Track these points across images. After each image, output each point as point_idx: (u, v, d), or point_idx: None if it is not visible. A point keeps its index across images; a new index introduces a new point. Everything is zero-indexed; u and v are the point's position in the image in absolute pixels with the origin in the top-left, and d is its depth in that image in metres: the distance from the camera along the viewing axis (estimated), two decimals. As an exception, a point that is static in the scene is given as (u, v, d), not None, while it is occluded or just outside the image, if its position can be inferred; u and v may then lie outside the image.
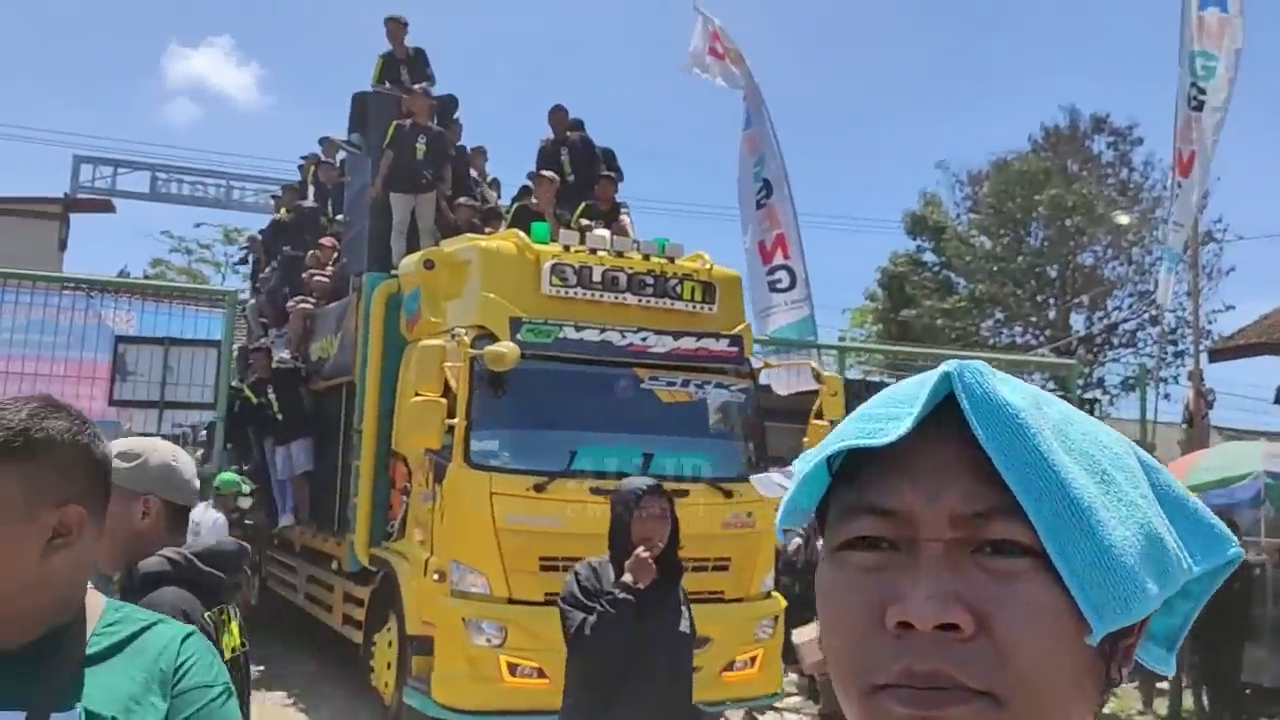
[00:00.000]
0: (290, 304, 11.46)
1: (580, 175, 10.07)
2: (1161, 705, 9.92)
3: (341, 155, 11.77)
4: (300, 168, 13.57)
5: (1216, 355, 17.91)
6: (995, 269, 28.49)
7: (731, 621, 7.58)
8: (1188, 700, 9.58)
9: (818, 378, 8.16)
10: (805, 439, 8.27)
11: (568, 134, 10.48)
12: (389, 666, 7.93)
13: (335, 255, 11.12)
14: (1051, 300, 29.44)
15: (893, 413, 0.68)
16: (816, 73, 73.02)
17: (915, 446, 0.67)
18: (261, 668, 10.21)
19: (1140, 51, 56.35)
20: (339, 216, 11.50)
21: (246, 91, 71.23)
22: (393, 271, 9.14)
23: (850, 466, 0.71)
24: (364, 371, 8.92)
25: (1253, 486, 9.64)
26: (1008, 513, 0.65)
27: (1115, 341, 28.95)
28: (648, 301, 7.88)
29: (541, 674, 7.02)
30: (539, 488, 7.19)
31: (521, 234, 7.86)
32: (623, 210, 9.78)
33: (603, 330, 7.63)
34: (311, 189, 12.75)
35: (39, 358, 10.84)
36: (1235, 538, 0.74)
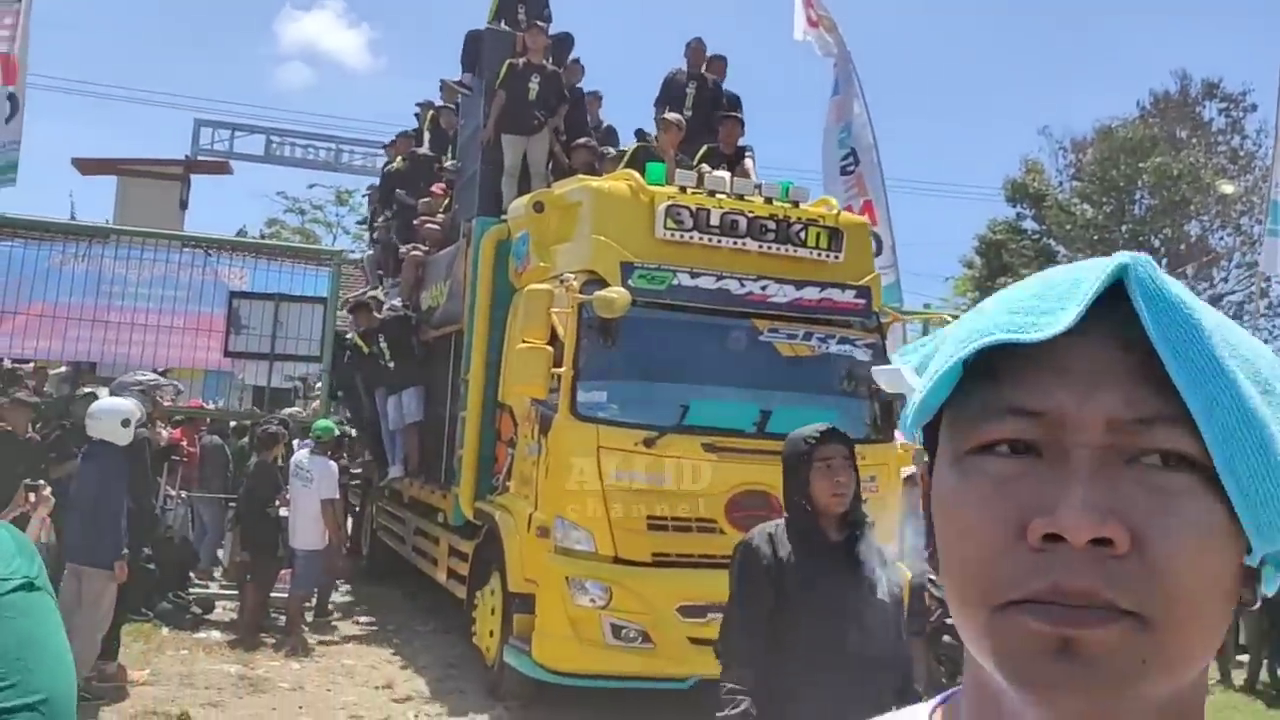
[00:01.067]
0: (402, 252, 11.29)
1: (700, 114, 9.53)
2: (1239, 676, 9.75)
3: (459, 99, 11.48)
4: (416, 115, 13.37)
5: None
6: (1097, 238, 27.58)
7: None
8: (1265, 675, 9.55)
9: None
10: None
11: (704, 72, 9.94)
12: (491, 624, 7.67)
13: (447, 202, 10.86)
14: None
15: (1049, 305, 0.62)
16: (919, 37, 70.99)
17: (1070, 343, 0.61)
18: (371, 619, 10.22)
19: (1254, 13, 52.83)
20: (450, 162, 11.22)
21: (357, 54, 72.40)
22: (502, 217, 8.81)
23: (987, 362, 0.63)
24: (472, 320, 8.63)
25: None
26: (1173, 421, 0.60)
27: (1222, 313, 27.70)
28: (769, 248, 7.35)
29: (647, 639, 6.65)
30: (648, 443, 6.78)
31: (636, 174, 7.40)
32: (747, 154, 9.22)
33: (720, 277, 7.14)
34: (427, 135, 12.52)
35: (161, 310, 11.38)
36: None
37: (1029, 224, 30.98)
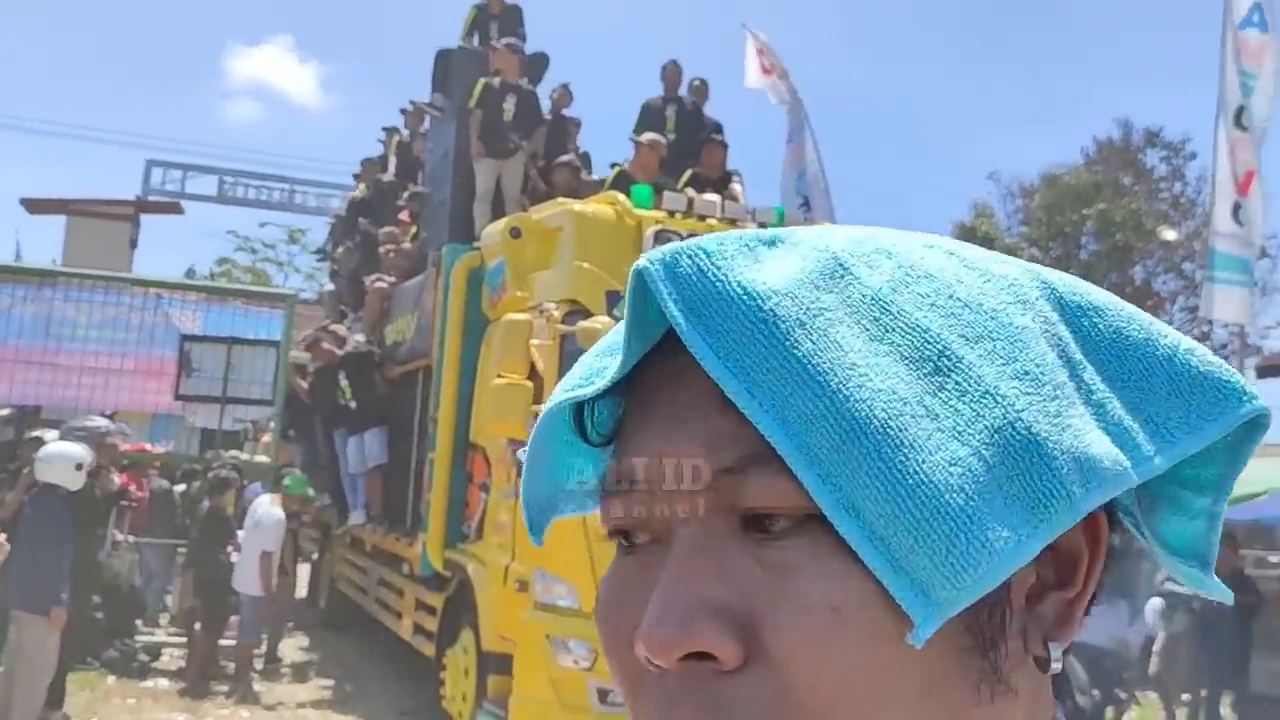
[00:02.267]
0: (367, 284, 10.69)
1: (684, 137, 9.05)
2: (1183, 715, 9.69)
3: (428, 123, 10.94)
4: (382, 141, 12.81)
5: (1264, 372, 17.62)
6: None
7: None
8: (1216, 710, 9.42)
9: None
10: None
11: (684, 95, 9.48)
12: (463, 686, 7.01)
13: (414, 230, 10.28)
14: (1101, 314, 29.77)
15: (617, 348, 0.49)
16: (872, 85, 72.11)
17: (659, 388, 0.48)
18: (324, 666, 9.73)
19: (1194, 67, 54.57)
20: (416, 188, 10.66)
21: (309, 91, 72.11)
22: (475, 244, 8.25)
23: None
24: (441, 354, 8.03)
25: (1277, 503, 9.34)
26: (766, 461, 0.44)
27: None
28: (764, 276, 6.83)
29: (637, 704, 6.02)
30: (637, 487, 6.19)
31: (621, 197, 6.88)
32: (734, 179, 8.74)
33: (713, 307, 6.60)
34: (393, 161, 11.94)
35: (111, 353, 11.36)
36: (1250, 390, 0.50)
37: None
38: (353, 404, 9.81)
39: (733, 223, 6.93)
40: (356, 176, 13.11)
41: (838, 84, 70.80)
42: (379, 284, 10.22)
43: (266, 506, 9.14)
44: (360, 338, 10.27)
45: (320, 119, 69.61)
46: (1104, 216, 27.64)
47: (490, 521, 7.09)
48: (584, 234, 6.76)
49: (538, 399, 6.27)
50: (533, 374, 6.33)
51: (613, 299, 6.44)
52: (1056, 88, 61.07)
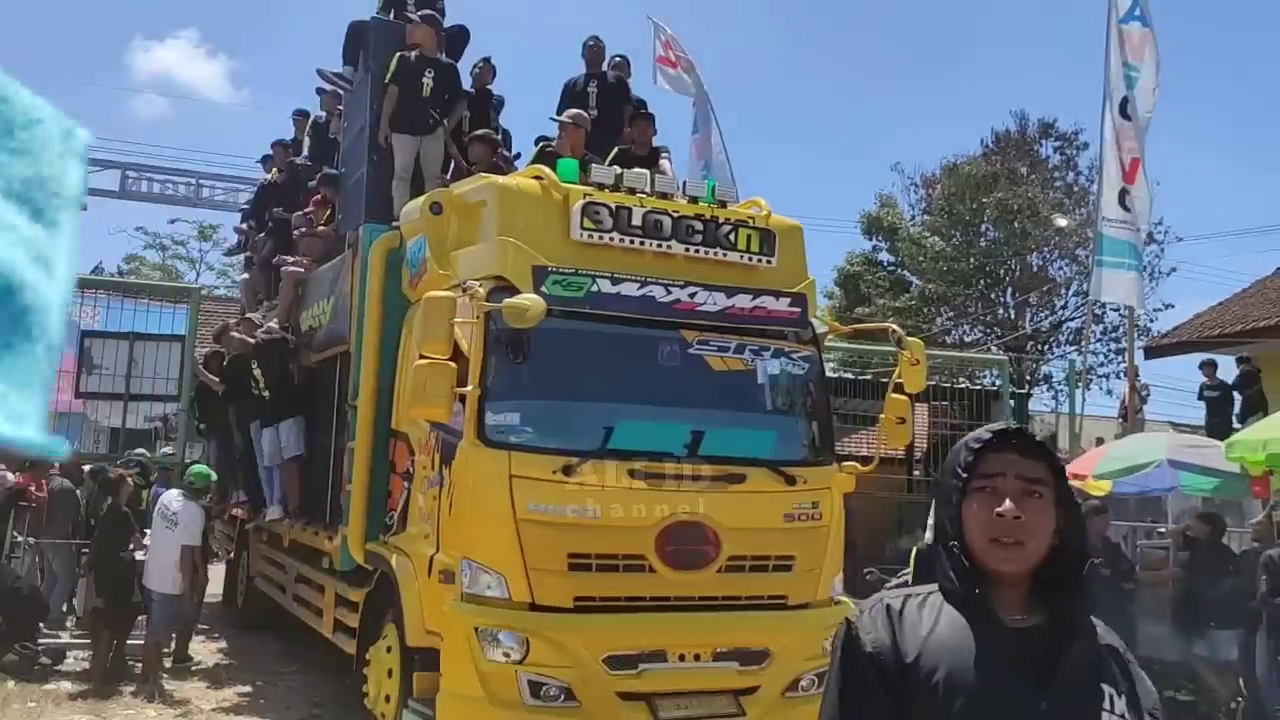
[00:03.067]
0: (281, 270, 10.24)
1: (608, 113, 8.77)
2: None
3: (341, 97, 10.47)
4: (295, 121, 12.30)
5: (1152, 352, 18.35)
6: (946, 269, 29.64)
7: (796, 632, 6.33)
8: None
9: (899, 342, 6.86)
10: (882, 415, 7.02)
11: (603, 71, 9.20)
12: (388, 686, 6.68)
13: (329, 213, 9.86)
14: (1000, 299, 30.94)
15: None
16: (776, 76, 72.70)
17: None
18: (248, 689, 9.21)
19: (1084, 60, 56.43)
20: (330, 170, 10.22)
21: (217, 85, 69.98)
22: (394, 224, 7.90)
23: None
24: (360, 339, 7.67)
25: (1163, 474, 9.82)
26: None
27: (1062, 339, 30.35)
28: (696, 251, 6.62)
29: (570, 696, 5.78)
30: (567, 470, 5.93)
31: (547, 170, 6.60)
32: (663, 154, 8.48)
33: (644, 283, 6.37)
34: (307, 143, 11.45)
35: None
36: None
37: (884, 256, 32.85)
38: (267, 394, 9.39)
39: (664, 196, 6.70)
40: (266, 160, 12.58)
41: (743, 76, 71.02)
42: (293, 269, 9.78)
43: (179, 501, 8.91)
44: (275, 324, 9.83)
45: (230, 114, 67.65)
46: (1002, 205, 28.80)
47: (413, 511, 6.77)
48: (509, 208, 6.47)
49: (461, 380, 5.98)
50: (456, 355, 6.03)
51: (540, 274, 6.16)
52: (958, 81, 62.44)
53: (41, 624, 9.69)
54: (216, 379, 11.65)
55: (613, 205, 6.45)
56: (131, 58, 69.58)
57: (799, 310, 6.80)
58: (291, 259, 10.00)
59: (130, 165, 27.68)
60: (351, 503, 7.48)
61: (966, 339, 30.07)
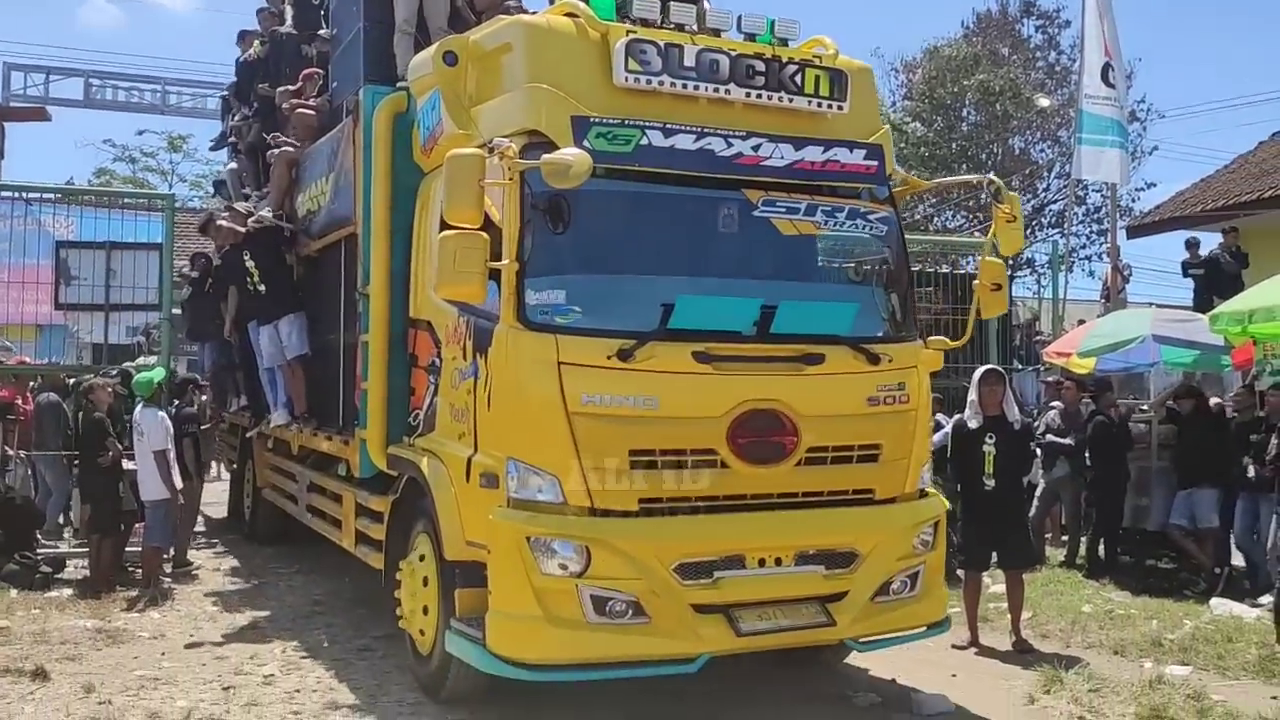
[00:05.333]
0: (270, 154, 9.22)
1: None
2: (1055, 556, 10.40)
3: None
4: (274, -11, 11.13)
5: (1134, 232, 18.28)
6: (928, 154, 28.95)
7: (885, 529, 5.59)
8: (1083, 549, 10.20)
9: (996, 194, 5.95)
10: (976, 280, 6.16)
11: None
12: (424, 598, 5.95)
13: (321, 83, 8.80)
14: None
15: None
16: None
17: None
18: (248, 588, 9.17)
19: None
20: (323, 32, 9.11)
21: None
22: (399, 84, 6.91)
23: None
24: (368, 217, 6.75)
25: (1146, 349, 10.08)
26: None
27: (1044, 222, 29.80)
28: (758, 97, 5.66)
29: (639, 611, 5.04)
30: (624, 354, 5.09)
31: (581, 4, 5.59)
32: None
33: (700, 134, 5.43)
34: (290, 11, 10.28)
35: None
36: None
37: None
38: (263, 288, 8.48)
39: (715, 33, 5.72)
40: (244, 35, 11.42)
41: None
42: (285, 149, 8.78)
43: (139, 411, 8.97)
44: (267, 212, 8.87)
45: (186, 21, 64.74)
46: (983, 87, 28.31)
47: (443, 408, 5.94)
48: (539, 50, 5.48)
49: (494, 253, 5.09)
50: (486, 226, 5.12)
51: (580, 126, 5.22)
52: None
53: (39, 534, 9.79)
54: (196, 276, 11.23)
55: (661, 43, 5.47)
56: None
57: (876, 164, 5.88)
58: (282, 138, 8.98)
59: (93, 73, 27.19)
60: (369, 402, 6.66)
61: (949, 225, 29.31)
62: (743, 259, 5.74)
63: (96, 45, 77.30)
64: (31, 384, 11.52)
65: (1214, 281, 13.44)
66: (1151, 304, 14.79)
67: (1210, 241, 14.77)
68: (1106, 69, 12.79)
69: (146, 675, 6.44)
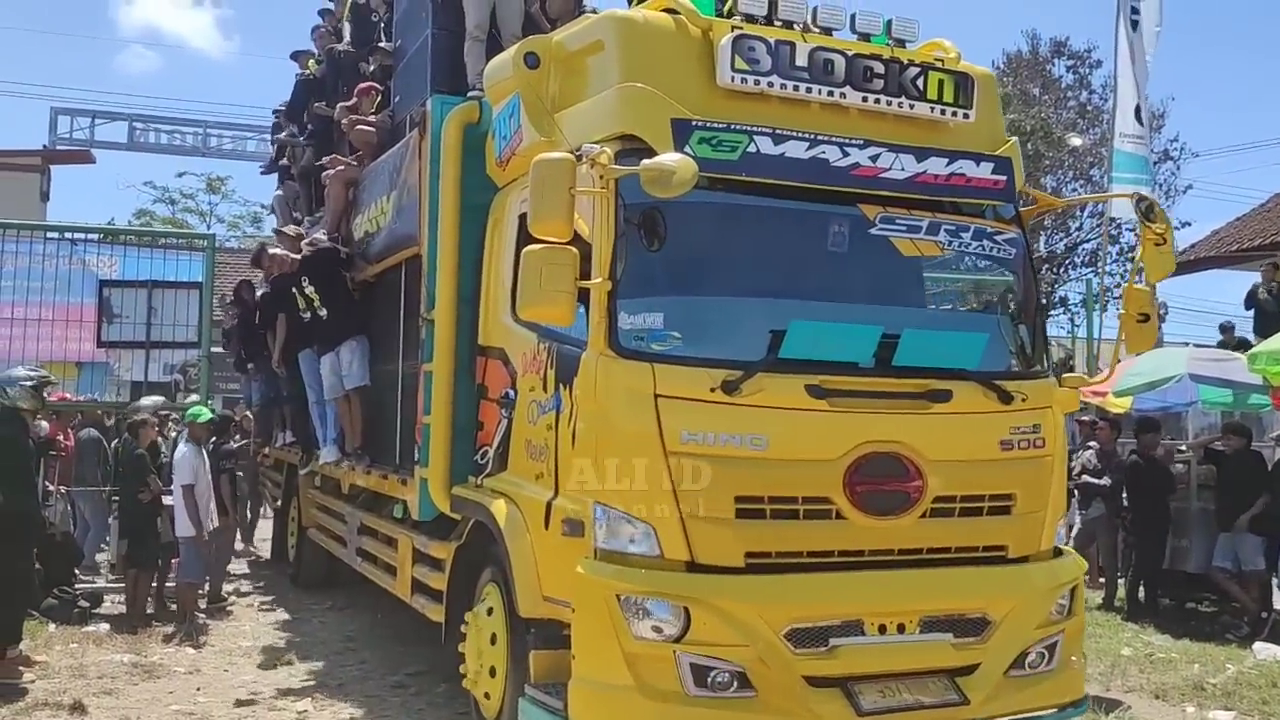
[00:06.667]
0: (326, 175, 8.75)
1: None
2: (1095, 597, 10.06)
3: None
4: (330, 8, 10.70)
5: None
6: None
7: (1020, 591, 4.89)
8: (1121, 591, 10.20)
9: (1148, 212, 5.26)
10: (1121, 311, 5.47)
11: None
12: (491, 658, 5.32)
13: (380, 99, 8.32)
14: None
15: None
16: None
17: None
18: (282, 626, 9.08)
19: None
20: (383, 44, 8.61)
21: (206, 35, 67.94)
22: (470, 93, 6.40)
23: None
24: (434, 236, 6.20)
25: (1184, 389, 10.03)
26: None
27: (1077, 261, 29.65)
28: (876, 102, 5.07)
29: (745, 683, 4.36)
30: (729, 387, 4.46)
31: (681, -1, 5.03)
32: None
33: (814, 142, 4.83)
34: (348, 28, 9.85)
35: (28, 303, 10.97)
36: None
37: None
38: (323, 313, 7.95)
39: (827, 32, 5.14)
40: (299, 55, 11.04)
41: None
42: (342, 169, 8.30)
43: (178, 446, 9.16)
44: (321, 234, 8.38)
45: (222, 65, 65.74)
46: (1015, 126, 27.73)
47: (516, 445, 5.34)
48: (634, 48, 4.92)
49: (584, 272, 4.49)
50: (574, 241, 4.53)
51: (682, 129, 4.64)
52: (968, 3, 59.75)
53: (77, 570, 9.79)
54: (237, 310, 11.32)
55: (771, 41, 4.89)
56: (115, 11, 67.64)
57: (1005, 179, 5.25)
58: (339, 157, 8.50)
59: (137, 116, 27.87)
60: (431, 438, 6.07)
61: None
62: (857, 281, 5.11)
63: (137, 90, 78.53)
64: (74, 420, 11.66)
65: (1256, 319, 13.19)
66: (1189, 343, 14.36)
67: (1245, 280, 14.52)
68: (1138, 109, 12.90)
69: (182, 710, 6.44)
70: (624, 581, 4.36)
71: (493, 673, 5.30)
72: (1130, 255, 27.30)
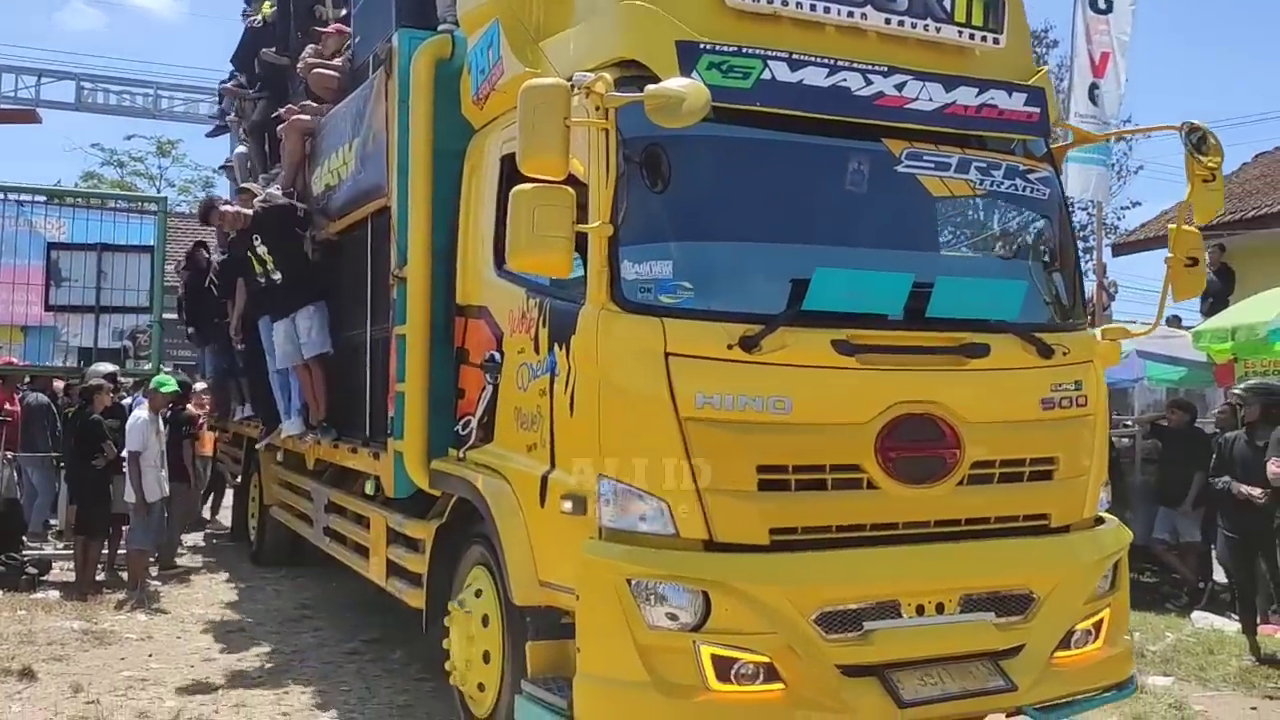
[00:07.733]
0: (279, 126, 8.08)
1: None
2: None
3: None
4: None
5: (1119, 250, 18.70)
6: None
7: (1065, 564, 4.45)
8: None
9: (1199, 143, 4.77)
10: (1169, 255, 4.99)
11: None
12: (482, 644, 4.81)
13: (345, 44, 7.66)
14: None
15: None
16: None
17: None
18: (235, 593, 8.94)
19: None
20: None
21: None
22: (441, 27, 5.80)
23: None
24: (404, 185, 5.62)
25: (1130, 365, 9.92)
26: None
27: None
28: (899, 24, 4.54)
29: (772, 674, 3.87)
30: (748, 343, 3.95)
31: (681, -94, 4.45)
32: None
33: (833, 69, 4.30)
34: (302, -33, 9.15)
35: None
36: None
37: None
38: (277, 277, 7.33)
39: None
40: (247, 7, 10.31)
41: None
42: (298, 117, 7.64)
43: (136, 411, 8.93)
44: (276, 189, 7.74)
45: (171, 24, 63.55)
46: None
47: (504, 414, 4.80)
48: (632, -36, 4.36)
49: (580, 214, 3.94)
50: (568, 182, 3.98)
51: (688, 53, 4.09)
52: None
53: (24, 537, 9.76)
54: (189, 274, 10.79)
55: (781, -46, 4.35)
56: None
57: (1038, 111, 4.75)
58: (292, 106, 7.85)
59: (85, 76, 26.69)
60: (406, 407, 5.51)
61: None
62: (883, 224, 4.62)
63: (79, 48, 76.06)
64: (20, 384, 11.26)
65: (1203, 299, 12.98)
66: (1136, 320, 14.34)
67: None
68: (1093, 88, 13.01)
69: (134, 676, 6.42)
70: (635, 564, 3.86)
71: (486, 658, 4.79)
72: (1083, 234, 26.94)
